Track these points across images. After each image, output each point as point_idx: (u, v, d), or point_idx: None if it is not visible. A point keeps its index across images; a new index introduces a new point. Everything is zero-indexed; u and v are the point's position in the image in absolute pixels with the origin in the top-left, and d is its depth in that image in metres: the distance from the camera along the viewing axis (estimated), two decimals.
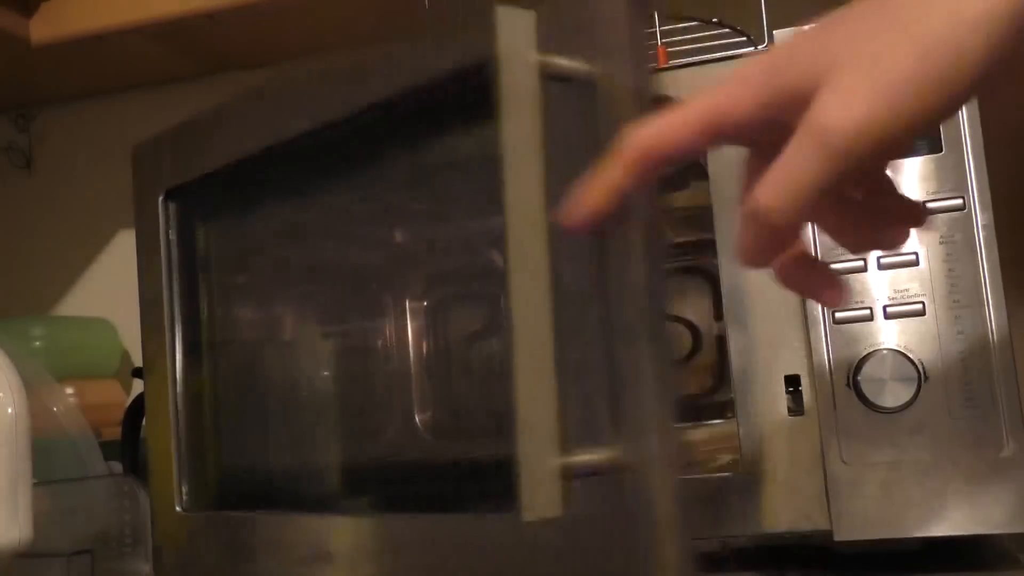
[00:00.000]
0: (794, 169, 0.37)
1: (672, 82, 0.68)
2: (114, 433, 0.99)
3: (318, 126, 0.62)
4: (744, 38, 0.75)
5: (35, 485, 0.67)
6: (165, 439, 0.74)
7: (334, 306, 0.74)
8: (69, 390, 1.09)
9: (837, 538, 0.63)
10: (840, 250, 0.64)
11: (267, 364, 0.75)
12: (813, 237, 0.64)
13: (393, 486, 0.67)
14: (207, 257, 0.76)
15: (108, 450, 0.98)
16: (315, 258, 0.73)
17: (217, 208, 0.76)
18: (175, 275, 0.75)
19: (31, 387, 0.70)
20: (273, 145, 0.65)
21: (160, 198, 0.75)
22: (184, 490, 0.73)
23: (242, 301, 0.77)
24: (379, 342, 0.75)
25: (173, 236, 0.75)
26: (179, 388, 0.74)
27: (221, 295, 0.76)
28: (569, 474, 0.42)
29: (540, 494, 0.41)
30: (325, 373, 0.74)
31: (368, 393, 0.73)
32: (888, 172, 0.46)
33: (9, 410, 0.64)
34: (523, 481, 0.40)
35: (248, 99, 0.69)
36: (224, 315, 0.76)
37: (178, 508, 0.73)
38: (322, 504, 0.68)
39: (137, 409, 0.97)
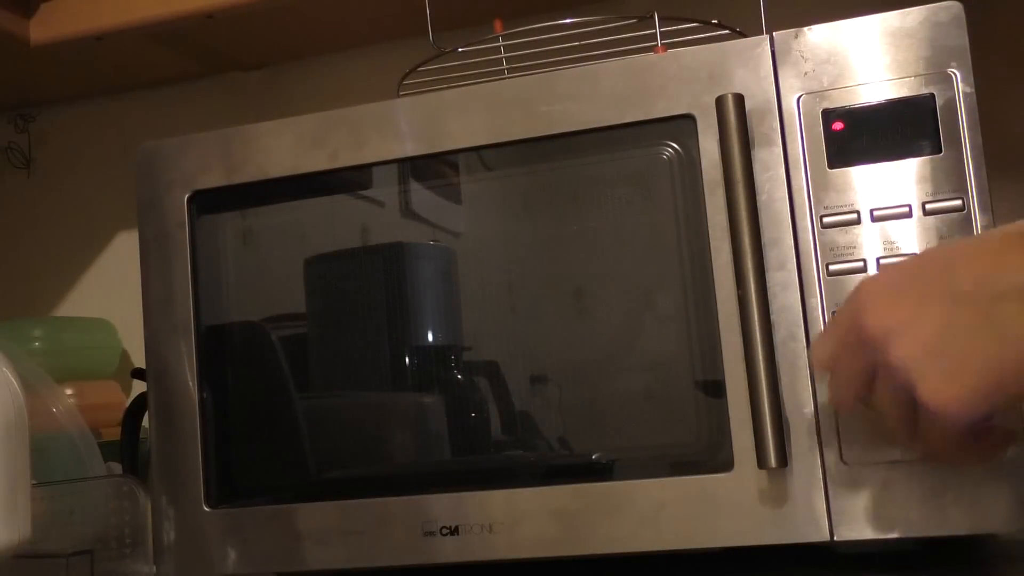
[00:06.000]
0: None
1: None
2: (114, 433, 0.99)
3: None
4: (744, 39, 0.75)
5: (34, 486, 0.67)
6: (182, 439, 0.75)
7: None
8: (69, 391, 1.09)
9: (837, 538, 0.63)
10: (840, 250, 0.64)
11: (297, 362, 0.77)
12: (813, 238, 0.64)
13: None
14: (229, 258, 0.78)
15: (108, 450, 0.98)
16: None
17: (249, 215, 0.78)
18: (199, 275, 0.77)
19: (31, 388, 0.70)
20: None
21: (186, 197, 0.77)
22: (212, 488, 0.75)
23: (269, 301, 0.78)
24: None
25: (195, 237, 0.77)
26: (205, 387, 0.76)
27: (243, 297, 0.77)
28: None
29: None
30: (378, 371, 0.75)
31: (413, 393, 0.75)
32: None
33: (8, 411, 0.64)
34: None
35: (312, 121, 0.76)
36: (245, 317, 0.78)
37: (206, 507, 0.74)
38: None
39: (137, 409, 0.97)
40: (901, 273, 0.51)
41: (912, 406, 0.50)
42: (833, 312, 0.64)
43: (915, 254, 0.54)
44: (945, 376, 0.46)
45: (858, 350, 0.52)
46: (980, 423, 0.51)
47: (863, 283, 0.53)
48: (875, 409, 0.54)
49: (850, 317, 0.52)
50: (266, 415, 0.76)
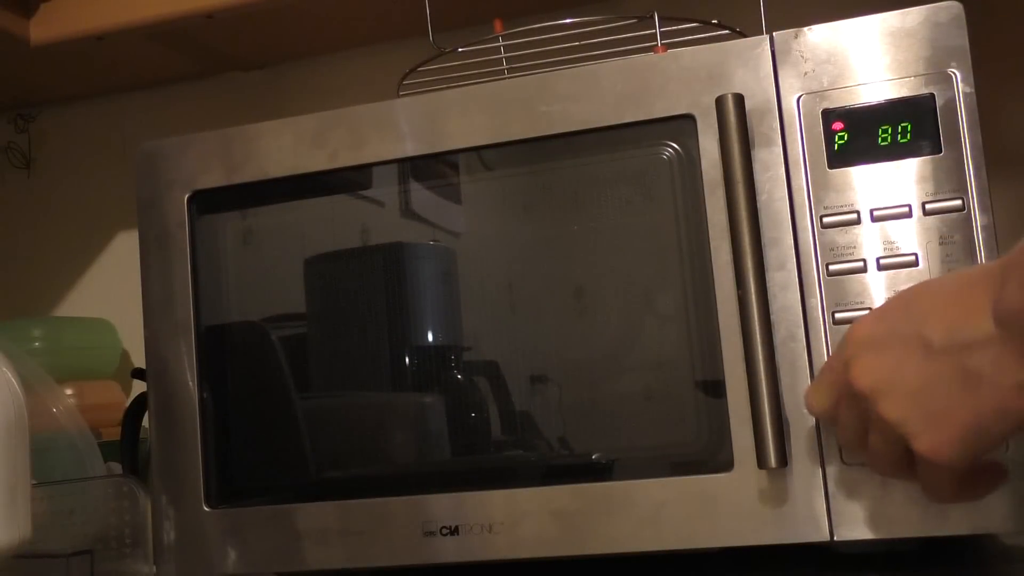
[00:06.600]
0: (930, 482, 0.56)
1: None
2: (114, 433, 0.99)
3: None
4: (744, 39, 0.75)
5: (35, 486, 0.67)
6: (182, 439, 0.75)
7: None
8: (69, 391, 1.09)
9: (837, 538, 0.63)
10: (840, 250, 0.64)
11: (297, 362, 0.77)
12: (813, 238, 0.64)
13: None
14: (229, 258, 0.78)
15: (108, 450, 0.98)
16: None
17: (249, 215, 0.78)
18: (199, 275, 0.77)
19: (31, 388, 0.70)
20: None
21: (186, 197, 0.78)
22: (212, 488, 0.75)
23: (269, 301, 0.78)
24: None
25: (195, 237, 0.78)
26: (205, 387, 0.76)
27: (243, 297, 0.78)
28: None
29: None
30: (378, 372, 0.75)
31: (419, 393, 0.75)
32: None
33: (8, 411, 0.64)
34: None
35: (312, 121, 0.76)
36: (245, 317, 0.78)
37: (206, 507, 0.74)
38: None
39: (137, 409, 0.97)
40: (882, 324, 0.54)
41: (907, 453, 0.54)
42: (834, 313, 0.64)
43: (895, 297, 0.57)
44: (933, 428, 0.50)
45: (851, 402, 0.56)
46: (973, 464, 0.54)
47: (849, 335, 0.56)
48: (871, 454, 0.57)
49: (841, 370, 0.56)
50: (266, 415, 0.76)
